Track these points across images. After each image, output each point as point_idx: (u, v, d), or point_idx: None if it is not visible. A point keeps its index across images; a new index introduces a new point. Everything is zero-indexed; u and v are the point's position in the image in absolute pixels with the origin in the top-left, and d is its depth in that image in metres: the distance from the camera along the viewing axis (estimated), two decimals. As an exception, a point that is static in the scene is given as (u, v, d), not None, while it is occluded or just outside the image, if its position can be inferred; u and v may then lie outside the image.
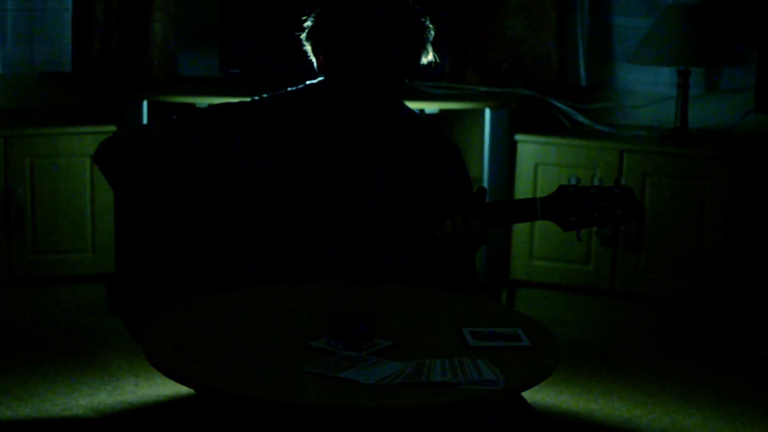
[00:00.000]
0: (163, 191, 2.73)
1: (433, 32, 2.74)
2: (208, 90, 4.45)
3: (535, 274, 4.53)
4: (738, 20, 4.49)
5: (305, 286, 2.64)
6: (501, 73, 4.67)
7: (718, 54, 4.34)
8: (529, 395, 2.49)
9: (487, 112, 4.45)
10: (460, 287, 2.72)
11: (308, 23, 2.75)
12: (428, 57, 2.74)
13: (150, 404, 3.63)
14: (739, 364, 4.10)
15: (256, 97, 2.87)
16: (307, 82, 2.85)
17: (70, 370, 3.85)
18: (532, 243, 4.50)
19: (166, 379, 2.22)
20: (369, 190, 2.76)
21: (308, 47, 2.77)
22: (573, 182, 2.66)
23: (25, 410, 3.53)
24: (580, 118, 4.67)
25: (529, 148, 4.47)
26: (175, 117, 2.83)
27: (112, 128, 4.34)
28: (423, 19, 2.72)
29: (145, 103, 4.36)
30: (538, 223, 4.42)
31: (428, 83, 4.59)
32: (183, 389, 3.53)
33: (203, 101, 4.29)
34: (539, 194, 4.34)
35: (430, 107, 4.43)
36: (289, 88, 2.87)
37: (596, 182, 2.66)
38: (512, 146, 4.48)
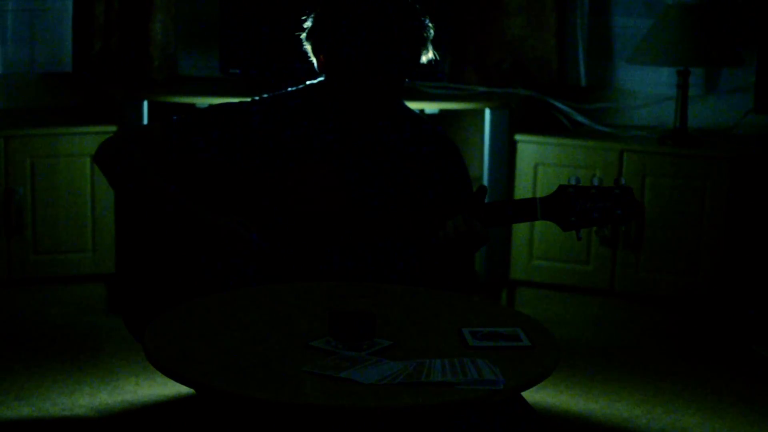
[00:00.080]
0: (163, 191, 2.73)
1: (432, 31, 2.74)
2: (208, 90, 4.45)
3: (535, 274, 4.53)
4: (738, 20, 4.49)
5: (305, 286, 2.64)
6: (501, 74, 4.67)
7: (717, 54, 4.34)
8: (529, 395, 2.49)
9: (487, 112, 4.45)
10: (459, 287, 2.72)
11: (308, 23, 2.76)
12: (428, 55, 2.75)
13: (150, 404, 3.63)
14: (738, 363, 4.10)
15: (257, 97, 2.87)
16: (307, 82, 2.85)
17: (70, 369, 3.85)
18: (532, 243, 4.51)
19: (167, 378, 2.22)
20: (369, 190, 2.77)
21: (308, 47, 2.77)
22: (573, 182, 2.66)
23: (26, 410, 3.54)
24: (580, 119, 4.67)
25: (529, 148, 4.48)
26: (175, 117, 2.84)
27: (113, 128, 4.34)
28: (423, 18, 2.72)
29: (145, 103, 4.36)
30: (538, 223, 4.43)
31: (428, 83, 4.59)
32: (183, 389, 3.53)
33: (204, 101, 4.29)
34: (539, 194, 4.34)
35: (430, 107, 4.43)
36: (289, 88, 2.87)
37: (596, 182, 2.66)
38: (512, 146, 4.49)
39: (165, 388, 3.70)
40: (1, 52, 4.53)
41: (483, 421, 2.35)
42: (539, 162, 4.46)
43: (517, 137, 4.49)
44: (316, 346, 2.25)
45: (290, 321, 2.41)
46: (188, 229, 2.71)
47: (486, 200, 2.69)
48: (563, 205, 2.64)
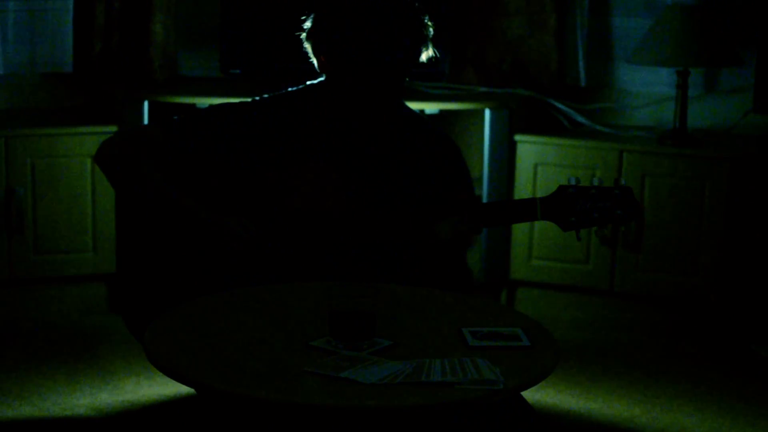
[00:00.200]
0: (163, 191, 2.74)
1: (432, 30, 2.74)
2: (208, 90, 4.45)
3: (535, 274, 4.53)
4: (737, 21, 4.49)
5: (305, 286, 2.64)
6: (501, 74, 4.67)
7: (717, 54, 4.34)
8: (528, 395, 2.50)
9: (487, 112, 4.46)
10: (453, 286, 2.73)
11: (308, 23, 2.76)
12: (428, 53, 2.75)
13: (151, 404, 3.63)
14: (737, 363, 4.10)
15: (257, 98, 2.87)
16: (307, 82, 2.85)
17: (71, 369, 3.86)
18: (532, 243, 4.51)
19: (167, 378, 2.23)
20: (369, 190, 2.77)
21: (308, 47, 2.77)
22: (573, 182, 2.66)
23: (27, 409, 3.54)
24: (580, 119, 4.67)
25: (528, 149, 4.48)
26: (176, 117, 2.84)
27: (113, 128, 4.34)
28: (422, 17, 2.72)
29: (146, 103, 4.37)
30: (538, 223, 4.43)
31: (428, 83, 4.59)
32: (184, 389, 3.53)
33: (204, 101, 4.29)
34: (539, 194, 4.34)
35: (430, 107, 4.43)
36: (290, 88, 2.88)
37: (596, 182, 2.67)
38: (512, 146, 4.49)
39: (165, 387, 3.71)
40: (2, 52, 4.54)
41: (483, 421, 2.35)
42: (539, 162, 4.46)
43: (517, 137, 4.49)
44: (316, 346, 2.26)
45: (290, 321, 2.42)
46: (188, 228, 2.72)
47: (481, 203, 2.70)
48: (563, 205, 2.64)
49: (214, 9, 4.64)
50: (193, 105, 4.33)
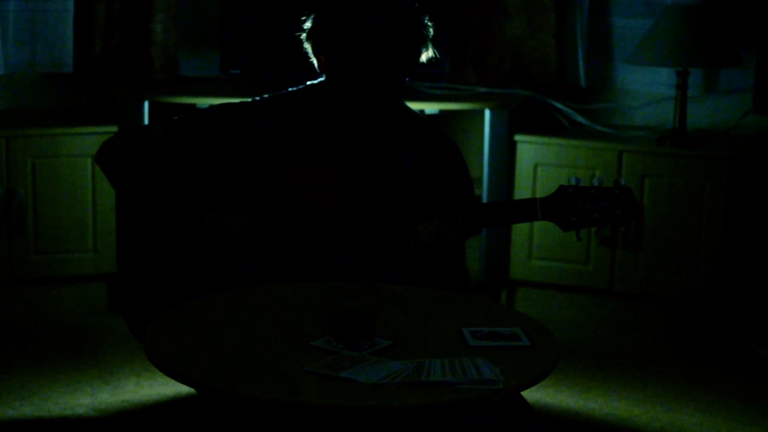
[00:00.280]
0: (164, 191, 2.74)
1: (432, 30, 2.74)
2: (209, 90, 4.46)
3: (535, 274, 4.54)
4: (737, 21, 4.50)
5: (305, 286, 2.65)
6: (501, 74, 4.68)
7: (716, 55, 4.35)
8: (528, 394, 2.50)
9: (487, 112, 4.46)
10: (449, 287, 2.73)
11: (308, 24, 2.76)
12: (428, 53, 2.75)
13: (151, 403, 3.64)
14: (737, 363, 4.11)
15: (257, 98, 2.88)
16: (308, 82, 2.86)
17: (71, 369, 3.86)
18: (532, 243, 4.51)
19: (168, 378, 2.23)
20: (368, 191, 2.77)
21: (308, 48, 2.77)
22: (573, 183, 2.67)
23: (27, 409, 3.54)
24: (580, 119, 4.67)
25: (528, 149, 4.48)
26: (176, 117, 2.84)
27: (114, 129, 4.35)
28: (422, 18, 2.72)
29: (146, 103, 4.37)
30: (538, 223, 4.43)
31: (428, 84, 4.60)
32: (184, 389, 3.54)
33: (204, 102, 4.30)
34: (539, 194, 4.35)
35: (430, 108, 4.44)
36: (290, 88, 2.88)
37: (595, 182, 2.67)
38: (512, 147, 4.49)
39: (166, 387, 3.71)
40: (2, 52, 4.54)
41: (483, 420, 2.36)
42: (539, 162, 4.47)
43: (517, 137, 4.49)
44: (316, 345, 2.26)
45: (290, 321, 2.42)
46: (189, 228, 2.72)
47: (481, 203, 2.70)
48: (563, 205, 2.65)
49: (214, 9, 4.64)
50: (194, 105, 4.33)
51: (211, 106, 2.86)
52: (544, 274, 4.52)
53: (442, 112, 4.51)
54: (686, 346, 4.28)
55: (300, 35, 2.77)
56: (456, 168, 2.85)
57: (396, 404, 2.05)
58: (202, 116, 2.83)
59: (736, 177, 4.26)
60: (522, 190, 4.48)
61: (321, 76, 2.80)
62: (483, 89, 4.66)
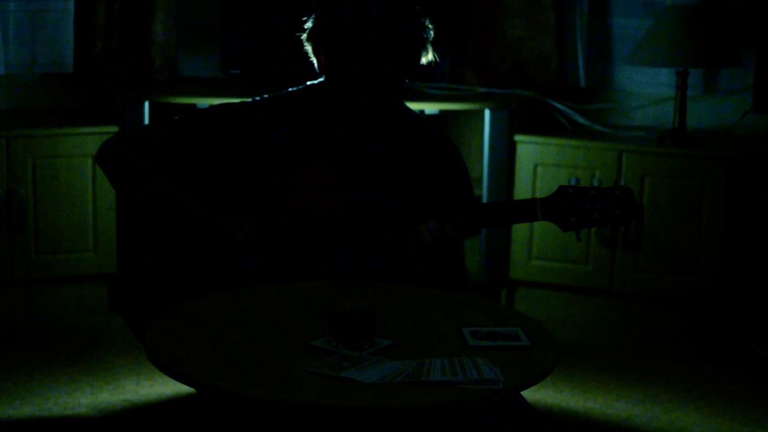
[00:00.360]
0: (164, 191, 2.74)
1: (432, 32, 2.75)
2: (209, 90, 4.46)
3: (535, 274, 4.54)
4: (736, 21, 4.50)
5: (305, 286, 2.65)
6: (501, 74, 4.68)
7: (716, 55, 4.35)
8: (528, 394, 2.50)
9: (487, 112, 4.46)
10: (448, 286, 2.73)
11: (308, 24, 2.76)
12: (428, 57, 2.75)
13: (151, 403, 3.64)
14: (737, 363, 4.11)
15: (257, 98, 2.88)
16: (308, 83, 2.86)
17: (71, 369, 3.86)
18: (532, 243, 4.51)
19: (168, 378, 2.23)
20: (368, 191, 2.77)
21: (309, 48, 2.77)
22: (573, 183, 2.67)
23: (27, 409, 3.55)
24: (579, 119, 4.68)
25: (528, 149, 4.48)
26: (176, 117, 2.84)
27: (114, 129, 4.35)
28: (423, 20, 2.73)
29: (146, 103, 4.37)
30: (538, 223, 4.43)
31: (428, 84, 4.60)
32: (184, 388, 3.54)
33: (204, 102, 4.30)
34: (539, 195, 4.35)
35: (430, 108, 4.44)
36: (290, 89, 2.88)
37: (595, 183, 2.68)
38: (512, 147, 4.49)
39: (166, 387, 3.71)
40: (3, 52, 4.54)
41: (483, 421, 2.36)
42: (539, 162, 4.47)
43: (517, 138, 4.49)
44: (316, 345, 2.26)
45: (290, 321, 2.42)
46: (189, 228, 2.72)
47: (481, 203, 2.70)
48: (563, 205, 2.65)
49: (214, 9, 4.64)
50: (194, 105, 4.33)
51: (212, 106, 2.86)
52: (544, 274, 4.52)
53: (442, 113, 4.51)
54: (686, 346, 4.28)
55: (300, 35, 2.77)
56: (455, 168, 2.85)
57: (396, 404, 2.05)
58: (202, 116, 2.83)
59: (735, 177, 4.27)
60: (522, 190, 4.48)
61: (321, 76, 2.80)
62: (483, 89, 4.66)
